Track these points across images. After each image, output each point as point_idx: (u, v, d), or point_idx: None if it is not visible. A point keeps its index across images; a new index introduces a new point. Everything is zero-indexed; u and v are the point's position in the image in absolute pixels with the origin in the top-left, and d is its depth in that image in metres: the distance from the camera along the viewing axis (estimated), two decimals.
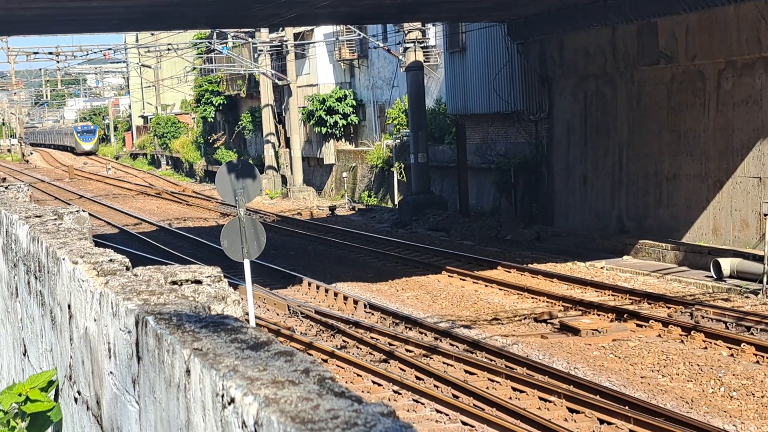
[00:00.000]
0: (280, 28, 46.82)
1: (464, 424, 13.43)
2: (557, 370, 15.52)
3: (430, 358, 16.83)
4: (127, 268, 3.71)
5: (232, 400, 2.09)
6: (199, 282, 3.48)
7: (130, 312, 2.96)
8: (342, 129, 47.91)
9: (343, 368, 16.56)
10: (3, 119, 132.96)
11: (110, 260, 3.80)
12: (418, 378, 15.64)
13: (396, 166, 40.60)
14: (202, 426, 2.30)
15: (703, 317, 18.63)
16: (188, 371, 2.39)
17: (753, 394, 14.37)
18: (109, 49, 55.68)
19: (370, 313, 20.87)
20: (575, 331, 18.18)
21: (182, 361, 2.43)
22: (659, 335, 17.88)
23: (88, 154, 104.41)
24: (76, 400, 3.98)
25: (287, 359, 2.25)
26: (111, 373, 3.26)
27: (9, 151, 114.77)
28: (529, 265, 25.18)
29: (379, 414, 1.85)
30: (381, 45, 41.82)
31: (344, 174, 46.56)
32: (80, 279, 3.71)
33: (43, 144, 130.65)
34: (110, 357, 3.25)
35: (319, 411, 1.88)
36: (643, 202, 27.38)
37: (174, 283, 3.44)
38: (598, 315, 19.50)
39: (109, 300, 3.23)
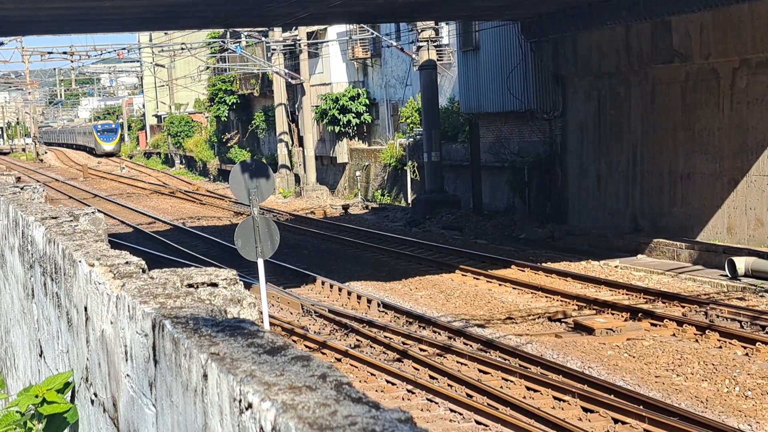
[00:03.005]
0: (293, 27, 46.86)
1: (478, 423, 13.43)
2: (571, 369, 15.50)
3: (444, 357, 16.82)
4: (143, 271, 3.72)
5: (250, 406, 2.09)
6: (215, 285, 3.49)
7: (146, 315, 2.97)
8: (355, 128, 47.94)
9: (356, 367, 16.57)
10: (17, 119, 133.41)
11: (126, 263, 3.81)
12: (431, 377, 15.64)
13: (409, 165, 40.59)
14: (219, 431, 2.31)
15: (717, 316, 18.58)
16: (205, 376, 2.40)
17: None
18: (123, 48, 55.82)
19: (383, 312, 20.88)
20: (589, 331, 18.16)
21: (199, 365, 2.44)
22: (674, 334, 17.84)
23: (108, 155, 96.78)
24: (92, 402, 4.00)
25: (304, 364, 2.25)
26: (128, 375, 3.27)
27: (23, 150, 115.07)
28: (543, 264, 25.14)
29: (397, 420, 1.85)
30: (394, 44, 41.82)
31: (357, 173, 46.58)
32: (97, 281, 3.72)
33: (60, 144, 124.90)
34: (127, 360, 3.26)
35: (336, 417, 1.88)
36: (658, 201, 27.32)
37: (190, 285, 3.45)
38: (613, 314, 19.46)
39: (125, 303, 3.24)
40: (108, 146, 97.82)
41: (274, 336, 2.52)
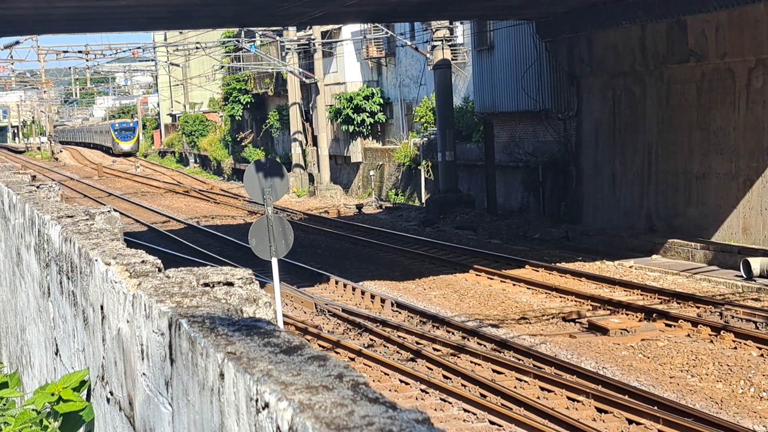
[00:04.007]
0: (308, 27, 46.89)
1: (492, 423, 13.41)
2: (585, 369, 15.47)
3: (458, 357, 16.81)
4: (159, 270, 3.73)
5: (266, 405, 2.09)
6: (230, 284, 3.49)
7: (163, 314, 2.97)
8: (369, 127, 47.94)
9: (370, 367, 16.57)
10: (33, 117, 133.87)
11: (143, 261, 3.82)
12: (445, 377, 15.63)
13: (423, 165, 40.57)
14: (236, 430, 2.31)
15: (732, 317, 18.51)
16: (222, 375, 2.40)
17: None
18: (138, 47, 55.95)
19: (397, 311, 20.88)
20: (604, 331, 18.12)
21: (216, 364, 2.44)
22: (688, 335, 17.78)
23: (126, 155, 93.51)
24: (108, 400, 4.01)
25: (321, 364, 2.25)
26: (144, 374, 3.27)
27: (39, 148, 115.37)
28: (558, 264, 25.10)
29: (414, 421, 1.85)
30: (408, 43, 41.80)
31: (371, 172, 46.57)
32: (113, 280, 3.73)
33: (75, 143, 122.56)
34: (143, 359, 3.27)
35: (353, 417, 1.88)
36: (673, 201, 27.24)
37: (206, 285, 3.46)
38: (627, 314, 19.42)
39: (142, 302, 3.25)
40: (126, 146, 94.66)
41: (290, 335, 2.52)
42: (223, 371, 2.39)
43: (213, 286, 3.45)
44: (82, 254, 4.44)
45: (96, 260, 4.08)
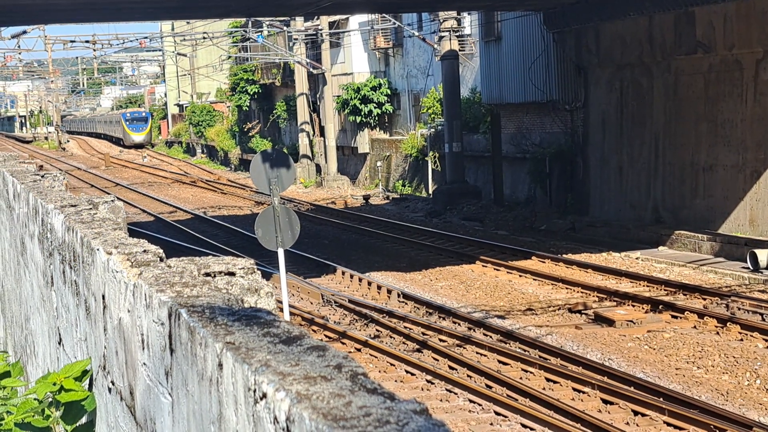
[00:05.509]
0: (315, 17, 46.83)
1: (497, 414, 13.41)
2: (591, 361, 15.46)
3: (464, 348, 16.81)
4: (161, 259, 3.71)
5: (264, 396, 2.08)
6: (232, 274, 3.47)
7: (163, 304, 2.96)
8: (376, 118, 47.89)
9: (376, 357, 16.58)
10: (40, 107, 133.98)
11: (144, 251, 3.81)
12: (451, 368, 15.63)
13: (430, 156, 40.53)
14: (234, 420, 2.30)
15: (739, 309, 18.47)
16: (220, 365, 2.39)
17: None
18: (145, 37, 55.88)
19: (403, 302, 20.86)
20: (610, 322, 18.09)
21: (215, 354, 2.43)
22: (694, 327, 17.75)
23: (138, 147, 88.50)
24: (109, 390, 4.00)
25: (320, 354, 2.24)
26: (144, 364, 3.26)
27: (46, 138, 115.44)
28: (564, 256, 25.07)
29: (412, 411, 1.84)
30: (416, 34, 41.72)
31: (378, 163, 46.54)
32: (114, 270, 3.72)
33: (84, 133, 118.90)
34: (143, 348, 3.26)
35: (351, 408, 1.87)
36: (679, 193, 27.18)
37: (207, 274, 3.44)
38: (633, 306, 19.39)
39: (142, 291, 3.24)
40: (138, 137, 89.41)
41: (290, 325, 2.51)
42: (221, 361, 2.38)
43: (214, 276, 3.44)
44: (84, 244, 4.43)
45: (98, 250, 4.07)
